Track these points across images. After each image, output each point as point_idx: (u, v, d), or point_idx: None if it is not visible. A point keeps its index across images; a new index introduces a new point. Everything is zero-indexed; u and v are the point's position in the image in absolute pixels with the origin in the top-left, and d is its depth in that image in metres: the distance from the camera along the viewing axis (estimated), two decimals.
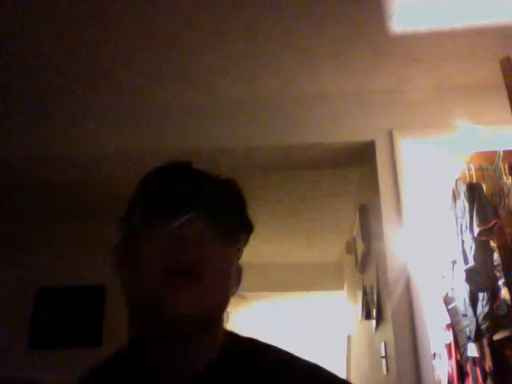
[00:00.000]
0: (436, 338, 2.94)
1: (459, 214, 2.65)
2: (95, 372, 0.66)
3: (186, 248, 0.56)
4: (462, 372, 2.84)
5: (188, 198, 0.60)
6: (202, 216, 0.58)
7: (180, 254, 0.56)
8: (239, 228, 0.65)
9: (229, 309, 5.42)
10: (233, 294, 0.64)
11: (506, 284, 2.33)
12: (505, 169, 2.57)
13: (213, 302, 0.58)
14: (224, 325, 0.67)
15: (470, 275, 2.46)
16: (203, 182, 0.63)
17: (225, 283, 0.60)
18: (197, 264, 0.56)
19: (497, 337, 2.40)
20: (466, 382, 2.77)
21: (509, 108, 1.56)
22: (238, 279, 0.67)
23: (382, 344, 2.26)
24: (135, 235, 0.61)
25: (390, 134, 2.27)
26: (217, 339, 0.63)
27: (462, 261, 2.56)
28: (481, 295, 2.46)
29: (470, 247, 2.49)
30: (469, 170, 2.70)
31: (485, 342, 2.50)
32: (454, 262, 2.75)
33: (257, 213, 3.63)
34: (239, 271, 0.68)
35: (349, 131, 2.33)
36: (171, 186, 0.61)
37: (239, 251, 0.66)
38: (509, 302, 2.28)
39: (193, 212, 0.58)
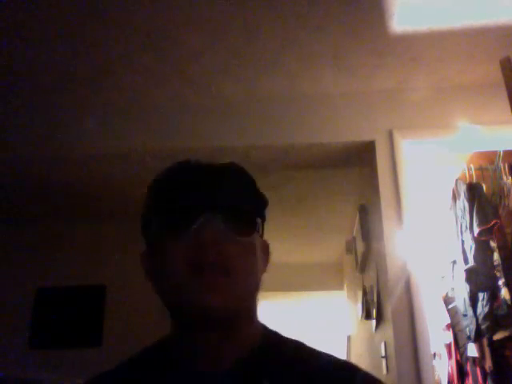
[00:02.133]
0: (436, 338, 2.93)
1: (459, 213, 2.64)
2: (122, 370, 0.68)
3: (207, 247, 0.58)
4: (462, 372, 2.84)
5: (201, 199, 0.61)
6: (218, 215, 0.60)
7: (203, 254, 0.58)
8: (255, 210, 0.66)
9: None
10: (261, 279, 0.65)
11: (506, 284, 2.33)
12: (505, 169, 2.56)
13: (240, 296, 0.60)
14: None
15: (470, 275, 2.46)
16: (212, 178, 0.64)
17: (251, 270, 0.62)
18: (221, 262, 0.58)
19: (497, 337, 2.40)
20: (466, 382, 2.77)
21: (509, 108, 1.56)
22: (266, 257, 0.69)
23: (382, 344, 2.26)
24: (158, 240, 0.63)
25: (390, 134, 2.27)
26: (250, 334, 0.64)
27: (462, 261, 2.56)
28: (481, 295, 2.46)
29: (470, 247, 2.49)
30: (469, 169, 2.70)
31: (485, 342, 2.50)
32: (454, 262, 2.75)
33: None
34: (265, 247, 0.69)
35: (349, 131, 2.33)
36: (183, 187, 0.63)
37: (260, 232, 0.67)
38: (509, 302, 2.28)
39: (208, 213, 0.60)
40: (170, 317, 0.65)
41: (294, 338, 0.68)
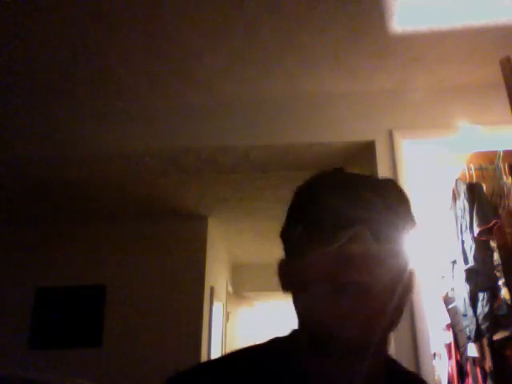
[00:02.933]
0: (436, 338, 2.93)
1: (459, 213, 2.65)
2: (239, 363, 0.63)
3: (354, 265, 0.54)
4: (462, 372, 2.84)
5: (351, 210, 0.57)
6: (367, 230, 0.55)
7: (349, 272, 0.54)
8: (403, 232, 0.60)
9: (229, 309, 5.42)
10: (404, 304, 0.60)
11: (506, 284, 2.33)
12: (505, 169, 2.56)
13: (380, 321, 0.55)
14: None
15: (470, 275, 2.46)
16: (363, 190, 0.59)
17: (395, 297, 0.57)
18: (366, 281, 0.54)
19: (497, 337, 2.40)
20: (466, 382, 2.77)
21: (509, 108, 1.56)
22: (410, 286, 0.62)
23: None
24: (299, 250, 0.59)
25: (390, 134, 2.27)
26: (382, 364, 0.61)
27: (462, 261, 2.56)
28: (481, 295, 2.46)
29: (470, 247, 2.49)
30: (469, 169, 2.70)
31: (485, 342, 2.50)
32: (454, 262, 2.75)
33: (257, 213, 3.63)
34: (410, 276, 0.62)
35: (349, 131, 2.33)
36: (332, 199, 0.59)
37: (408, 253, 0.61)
38: (509, 302, 2.28)
39: (358, 226, 0.55)
40: (300, 327, 0.61)
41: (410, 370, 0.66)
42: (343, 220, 0.56)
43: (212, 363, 0.63)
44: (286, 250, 0.63)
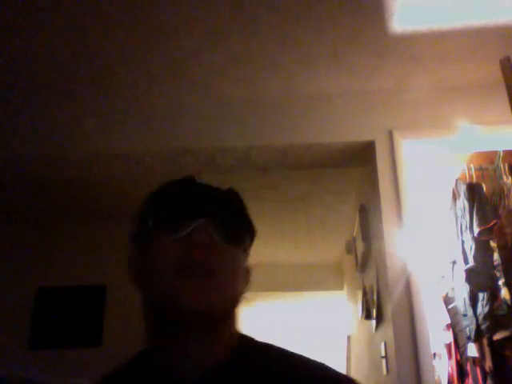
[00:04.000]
0: (436, 338, 2.94)
1: (459, 214, 2.65)
2: (112, 375, 0.72)
3: (197, 250, 0.61)
4: (462, 372, 2.85)
5: (196, 206, 0.65)
6: (209, 222, 0.64)
7: (192, 256, 0.61)
8: (243, 231, 0.70)
9: None
10: (242, 294, 0.68)
11: (506, 284, 2.33)
12: (505, 169, 2.56)
13: (223, 298, 0.63)
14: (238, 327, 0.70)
15: (470, 275, 2.46)
16: (208, 192, 0.69)
17: (234, 282, 0.65)
18: (208, 264, 0.62)
19: (497, 337, 2.40)
20: (466, 382, 2.77)
21: (509, 108, 1.56)
22: (247, 280, 0.72)
23: (382, 344, 2.26)
24: (149, 244, 0.66)
25: (390, 134, 2.27)
26: (229, 338, 0.67)
27: (462, 261, 2.56)
28: (481, 295, 2.47)
29: (470, 247, 2.49)
30: (469, 169, 2.70)
31: (485, 341, 2.51)
32: (454, 262, 2.76)
33: (257, 213, 3.61)
34: (248, 272, 0.73)
35: (349, 131, 2.33)
36: (180, 197, 0.67)
37: (245, 253, 0.71)
38: (509, 302, 2.28)
39: (201, 219, 0.63)
40: (153, 321, 0.67)
41: (281, 350, 0.69)
42: (187, 214, 0.64)
43: None
44: (136, 243, 0.70)
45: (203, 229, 0.63)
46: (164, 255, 0.63)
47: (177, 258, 0.62)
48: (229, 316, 0.66)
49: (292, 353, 0.68)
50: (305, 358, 0.68)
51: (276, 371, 0.64)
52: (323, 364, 0.67)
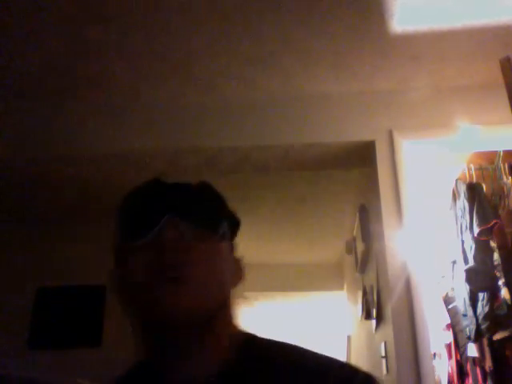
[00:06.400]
0: (436, 338, 2.93)
1: (459, 213, 2.65)
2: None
3: (168, 254, 0.59)
4: (462, 372, 2.84)
5: (160, 205, 0.63)
6: (176, 217, 0.61)
7: (163, 259, 0.59)
8: (217, 217, 0.67)
9: None
10: (233, 287, 0.66)
11: (506, 284, 2.33)
12: (505, 169, 2.56)
13: (205, 297, 0.60)
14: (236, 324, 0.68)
15: (470, 275, 2.46)
16: (174, 189, 0.66)
17: (216, 276, 0.62)
18: (180, 265, 0.59)
19: (497, 337, 2.40)
20: (466, 382, 2.77)
21: (509, 108, 1.56)
22: (238, 273, 0.69)
23: (382, 344, 2.26)
24: (124, 252, 0.64)
25: (390, 134, 2.27)
26: (228, 337, 0.64)
27: (462, 261, 2.56)
28: (481, 295, 2.46)
29: (470, 247, 2.49)
30: (469, 169, 2.70)
31: (485, 342, 2.50)
32: (454, 262, 2.75)
33: (257, 213, 3.63)
34: (238, 264, 0.69)
35: (349, 131, 2.33)
36: (143, 201, 0.65)
37: (229, 242, 0.68)
38: (509, 302, 2.28)
39: (166, 217, 0.61)
40: (141, 332, 0.64)
41: (284, 345, 0.67)
42: (154, 213, 0.62)
43: None
44: (117, 261, 0.67)
45: (171, 225, 0.61)
46: (137, 264, 0.61)
47: (149, 264, 0.59)
48: (217, 313, 0.63)
49: (303, 349, 0.66)
50: (318, 354, 0.64)
51: (286, 369, 0.61)
52: (338, 361, 0.64)
